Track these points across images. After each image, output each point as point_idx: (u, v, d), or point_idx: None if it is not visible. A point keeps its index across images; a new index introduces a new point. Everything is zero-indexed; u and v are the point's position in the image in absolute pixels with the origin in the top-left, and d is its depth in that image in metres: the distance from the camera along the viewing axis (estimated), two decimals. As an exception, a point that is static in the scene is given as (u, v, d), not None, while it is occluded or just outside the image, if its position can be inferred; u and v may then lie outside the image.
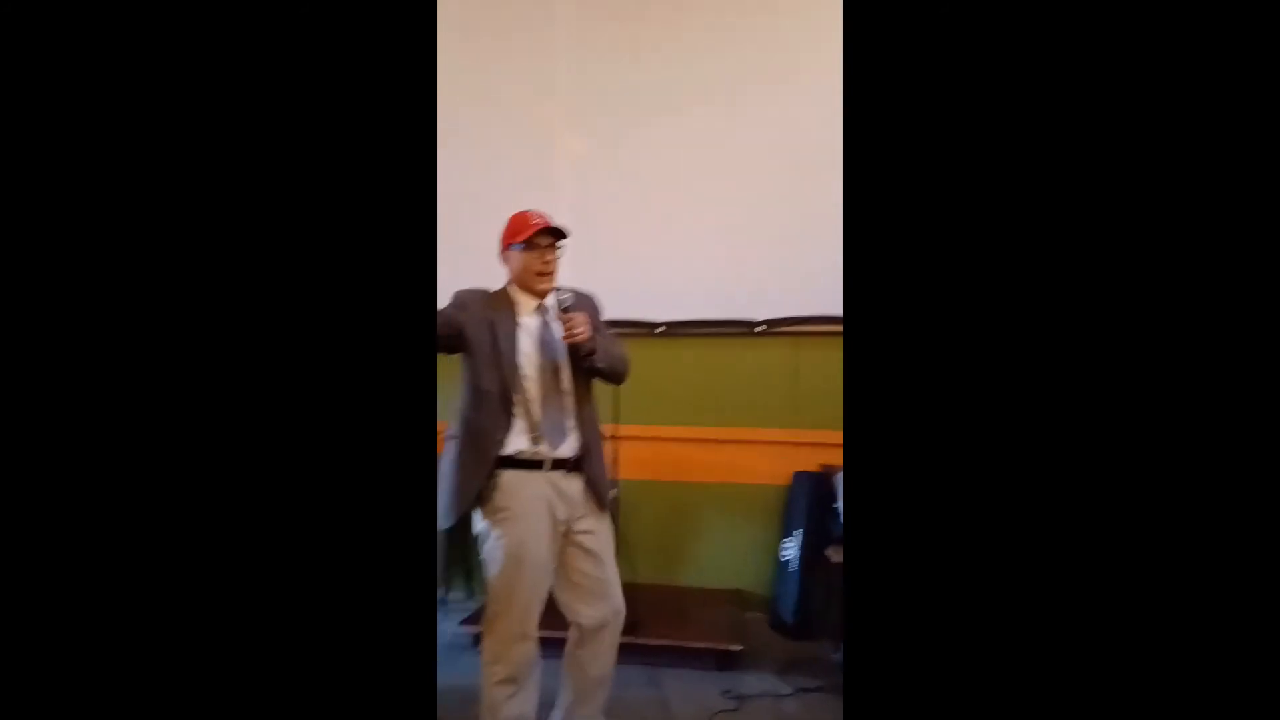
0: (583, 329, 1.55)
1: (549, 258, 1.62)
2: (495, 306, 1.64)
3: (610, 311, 2.88)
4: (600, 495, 1.65)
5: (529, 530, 1.57)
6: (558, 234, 1.63)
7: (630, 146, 2.94)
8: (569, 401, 1.63)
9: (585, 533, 1.64)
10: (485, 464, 1.57)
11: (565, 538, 1.63)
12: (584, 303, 1.70)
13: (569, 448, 1.61)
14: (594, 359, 1.58)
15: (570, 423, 1.62)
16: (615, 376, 1.71)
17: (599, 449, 1.68)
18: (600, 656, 1.70)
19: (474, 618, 2.51)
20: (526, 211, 1.65)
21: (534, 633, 1.63)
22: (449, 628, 2.72)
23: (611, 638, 1.70)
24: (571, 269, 2.86)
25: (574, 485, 1.62)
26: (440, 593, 2.89)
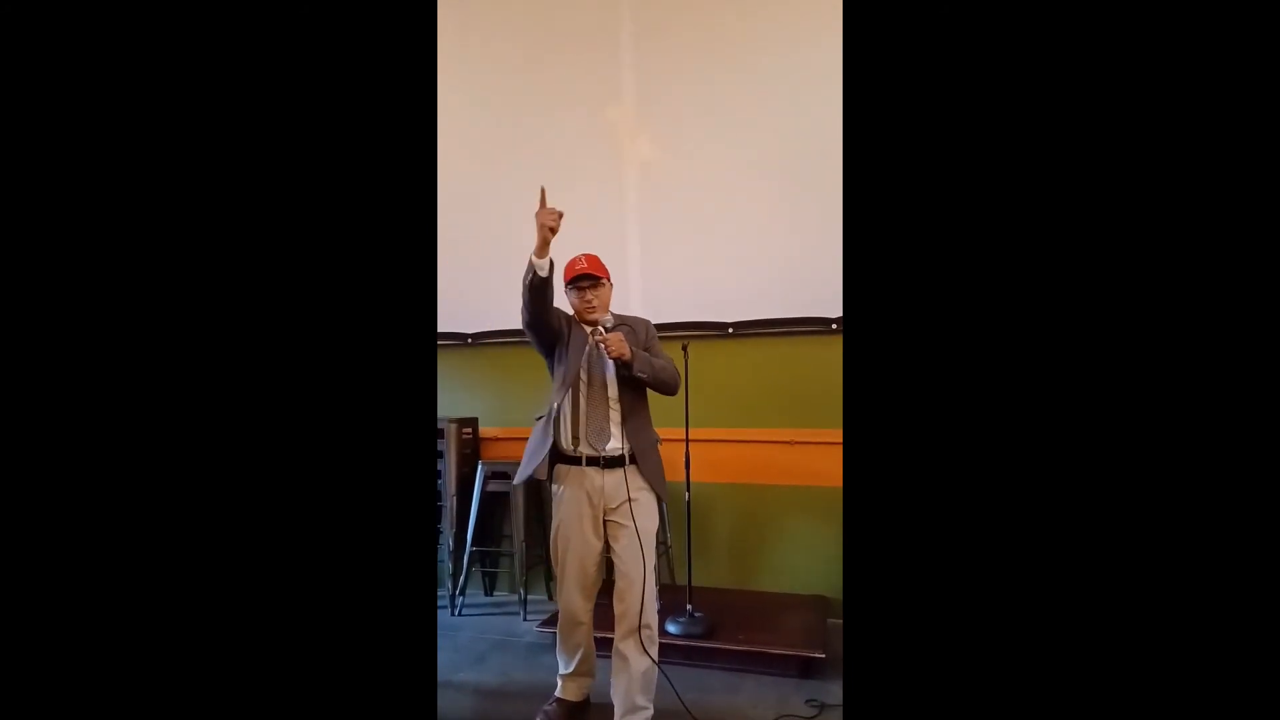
0: (615, 347, 1.81)
1: (588, 298, 1.93)
2: (572, 326, 1.96)
3: (682, 314, 2.91)
4: (651, 482, 1.91)
5: (570, 514, 1.92)
6: (593, 278, 1.91)
7: (699, 150, 2.93)
8: (615, 411, 1.90)
9: (620, 510, 1.89)
10: (544, 448, 1.92)
11: (606, 523, 1.91)
12: (635, 323, 1.98)
13: (611, 448, 1.89)
14: (633, 369, 1.85)
15: (614, 428, 1.89)
16: (661, 386, 1.92)
17: (648, 451, 1.93)
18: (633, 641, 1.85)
19: (552, 620, 2.53)
20: (576, 257, 1.94)
21: (585, 617, 1.97)
22: (530, 628, 2.76)
23: (639, 612, 1.84)
24: (641, 272, 2.89)
25: (611, 478, 1.88)
26: (519, 594, 2.94)
